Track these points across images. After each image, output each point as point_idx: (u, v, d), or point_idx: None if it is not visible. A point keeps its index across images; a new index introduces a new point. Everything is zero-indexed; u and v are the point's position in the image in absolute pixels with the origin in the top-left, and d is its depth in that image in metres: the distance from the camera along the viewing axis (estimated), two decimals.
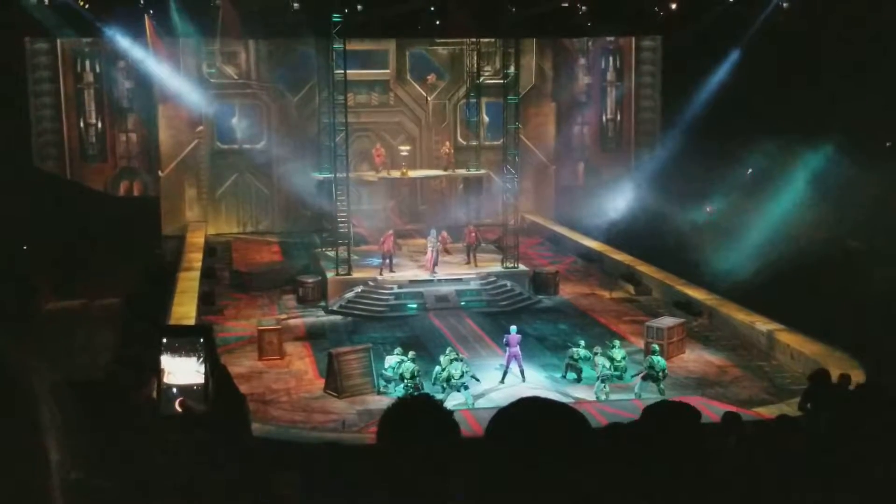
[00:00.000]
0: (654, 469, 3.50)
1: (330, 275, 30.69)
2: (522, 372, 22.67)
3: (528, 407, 2.69)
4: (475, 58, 38.09)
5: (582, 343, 23.30)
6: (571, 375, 22.97)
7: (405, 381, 21.38)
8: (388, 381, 22.07)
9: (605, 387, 21.64)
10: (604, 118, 46.78)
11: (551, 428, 2.60)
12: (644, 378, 21.88)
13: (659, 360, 22.04)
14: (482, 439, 2.64)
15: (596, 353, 22.21)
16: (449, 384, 21.25)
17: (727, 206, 37.41)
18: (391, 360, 22.17)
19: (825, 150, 34.18)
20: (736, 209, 36.68)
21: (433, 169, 39.91)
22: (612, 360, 22.26)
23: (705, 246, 32.94)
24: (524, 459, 2.54)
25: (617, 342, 23.58)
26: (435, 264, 30.79)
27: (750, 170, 38.08)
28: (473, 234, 32.11)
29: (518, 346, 22.64)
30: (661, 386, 21.78)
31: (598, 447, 2.79)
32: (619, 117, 46.82)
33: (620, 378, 22.37)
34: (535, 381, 22.79)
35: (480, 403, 21.10)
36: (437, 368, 21.73)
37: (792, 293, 26.14)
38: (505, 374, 22.66)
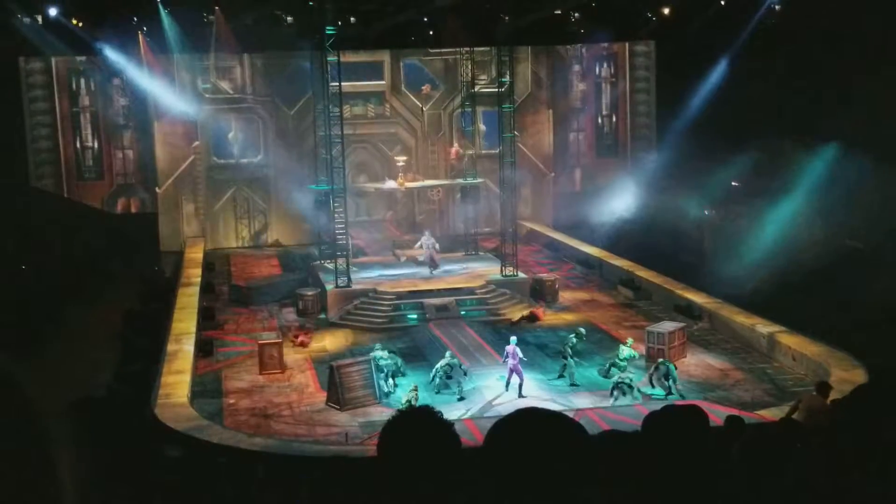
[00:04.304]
0: (659, 475, 3.49)
1: (329, 287, 30.69)
2: (521, 387, 22.28)
3: (526, 418, 2.69)
4: (470, 67, 38.16)
5: (583, 331, 24.42)
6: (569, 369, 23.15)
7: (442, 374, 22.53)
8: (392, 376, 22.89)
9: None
10: (599, 122, 46.92)
11: (549, 438, 2.60)
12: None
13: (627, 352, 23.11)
14: (482, 449, 2.64)
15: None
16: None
17: (725, 209, 37.47)
18: (382, 354, 23.13)
19: (822, 151, 34.24)
20: (733, 212, 36.73)
21: (430, 179, 40.01)
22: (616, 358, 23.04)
23: (705, 250, 32.99)
24: (522, 470, 2.54)
25: (630, 340, 23.96)
26: (435, 265, 31.78)
27: (735, 183, 38.12)
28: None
29: (518, 359, 22.27)
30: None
31: (596, 456, 2.78)
32: (614, 122, 46.94)
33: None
34: (537, 391, 22.71)
35: (484, 413, 21.09)
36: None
37: (791, 294, 26.16)
38: (508, 382, 22.53)
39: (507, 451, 2.62)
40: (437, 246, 32.77)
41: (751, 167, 37.29)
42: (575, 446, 2.62)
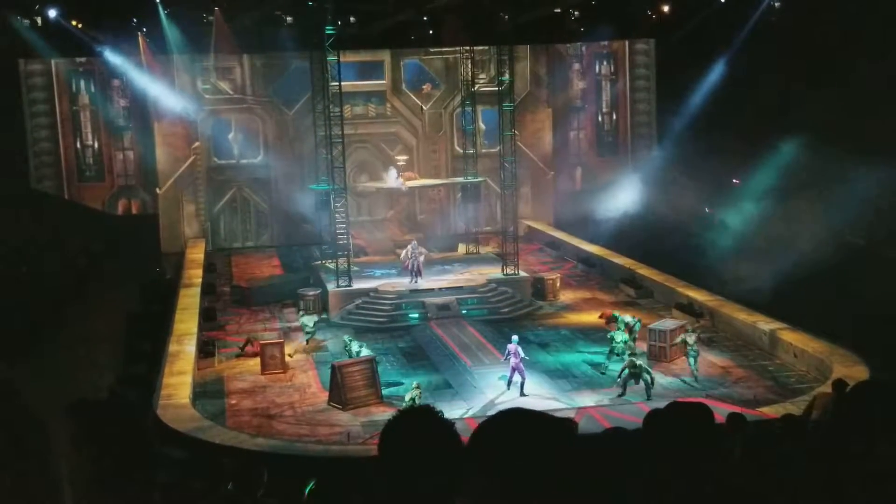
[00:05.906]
0: (660, 474, 3.48)
1: (331, 287, 30.69)
2: (522, 385, 22.22)
3: (510, 419, 2.69)
4: (469, 66, 38.18)
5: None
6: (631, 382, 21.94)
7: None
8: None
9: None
10: (599, 120, 46.91)
11: (532, 439, 2.60)
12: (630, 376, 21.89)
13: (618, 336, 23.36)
14: (466, 450, 2.64)
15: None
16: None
17: (727, 206, 37.42)
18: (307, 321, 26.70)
19: (823, 147, 34.18)
20: (735, 209, 36.69)
21: (431, 178, 40.03)
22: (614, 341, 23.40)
23: (707, 247, 32.93)
24: (505, 471, 2.54)
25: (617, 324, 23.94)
26: (418, 273, 31.10)
27: (736, 181, 38.09)
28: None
29: (519, 358, 22.19)
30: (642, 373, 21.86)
31: (585, 457, 2.78)
32: (615, 120, 46.92)
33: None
34: (538, 389, 22.69)
35: (486, 412, 21.08)
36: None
37: (792, 291, 26.11)
38: (509, 382, 22.52)
39: (490, 452, 2.62)
40: (422, 255, 31.78)
41: (752, 164, 37.27)
42: (560, 447, 2.62)
